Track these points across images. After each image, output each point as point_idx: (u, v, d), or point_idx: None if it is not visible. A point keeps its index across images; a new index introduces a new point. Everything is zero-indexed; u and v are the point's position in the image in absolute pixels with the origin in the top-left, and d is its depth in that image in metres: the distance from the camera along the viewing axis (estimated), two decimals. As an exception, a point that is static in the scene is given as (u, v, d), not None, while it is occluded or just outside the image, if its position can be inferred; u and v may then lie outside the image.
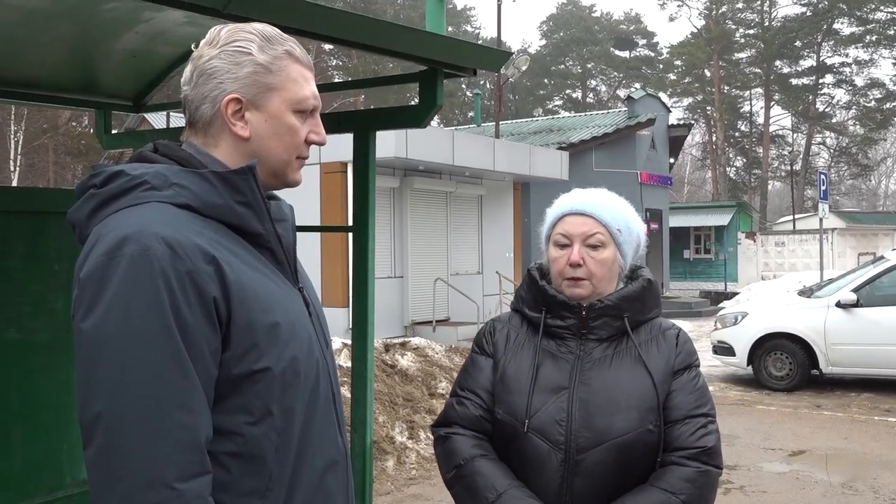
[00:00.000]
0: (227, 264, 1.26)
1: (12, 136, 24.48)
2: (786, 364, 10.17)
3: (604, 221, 1.94)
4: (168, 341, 1.18)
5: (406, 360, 7.96)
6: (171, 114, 16.00)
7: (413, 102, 2.95)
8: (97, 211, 1.31)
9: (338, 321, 12.43)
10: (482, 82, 46.47)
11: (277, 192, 1.52)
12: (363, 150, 3.03)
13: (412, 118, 2.94)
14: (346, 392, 6.63)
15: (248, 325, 1.27)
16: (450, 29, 49.94)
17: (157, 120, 18.31)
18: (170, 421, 1.17)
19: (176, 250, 1.21)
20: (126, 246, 1.20)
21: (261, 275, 1.34)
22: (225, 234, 1.32)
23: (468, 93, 46.74)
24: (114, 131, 3.70)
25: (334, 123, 3.23)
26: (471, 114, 36.36)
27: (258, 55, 1.37)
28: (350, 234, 3.06)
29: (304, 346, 1.37)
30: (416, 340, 9.03)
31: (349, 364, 3.24)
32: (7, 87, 3.33)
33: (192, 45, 1.41)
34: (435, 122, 48.15)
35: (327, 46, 39.97)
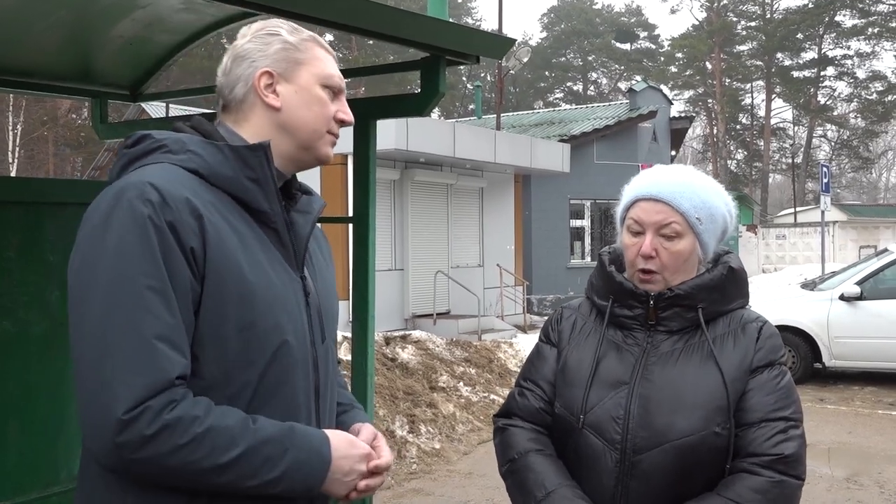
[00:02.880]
0: (211, 223, 1.31)
1: (11, 128, 24.40)
2: (788, 357, 10.13)
3: (681, 210, 1.73)
4: (154, 278, 1.26)
5: (407, 354, 7.91)
6: (169, 104, 15.93)
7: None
8: (124, 169, 1.39)
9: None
10: (483, 74, 46.35)
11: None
12: (364, 140, 2.97)
13: (414, 106, 2.88)
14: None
15: (219, 287, 1.31)
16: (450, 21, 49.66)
17: (156, 111, 18.22)
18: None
19: (165, 198, 1.28)
20: (126, 193, 1.29)
21: (252, 248, 1.36)
22: (228, 205, 1.37)
23: (469, 85, 46.61)
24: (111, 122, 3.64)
25: (335, 112, 3.18)
26: (471, 106, 36.25)
27: (287, 36, 1.47)
28: (350, 226, 3.01)
29: (280, 324, 1.37)
30: (416, 333, 8.98)
31: (349, 358, 3.19)
32: (4, 75, 3.28)
33: (227, 45, 1.52)
34: (435, 114, 48.14)
35: (329, 37, 39.87)
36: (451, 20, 2.90)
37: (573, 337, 1.86)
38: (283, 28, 1.49)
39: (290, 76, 1.46)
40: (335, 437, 1.37)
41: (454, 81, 47.97)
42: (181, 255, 1.27)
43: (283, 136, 1.46)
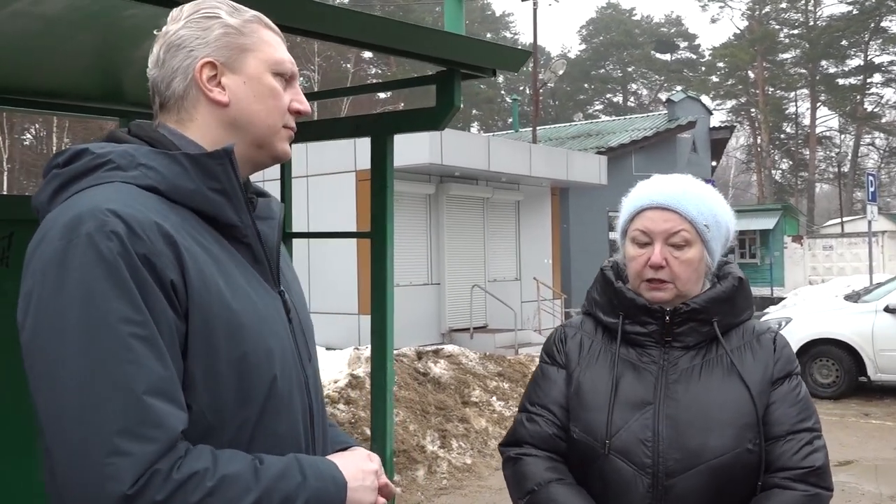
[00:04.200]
0: (187, 250, 1.15)
1: (56, 148, 25.00)
2: (832, 371, 9.87)
3: (690, 217, 1.69)
4: (138, 325, 1.08)
5: (439, 368, 7.87)
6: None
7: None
8: (59, 192, 1.20)
9: (374, 328, 12.42)
10: (521, 88, 46.33)
11: (278, 191, 1.41)
12: (381, 155, 2.98)
13: (430, 121, 2.88)
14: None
15: (205, 322, 1.15)
16: (488, 35, 49.92)
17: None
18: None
19: (133, 228, 1.10)
20: (82, 226, 1.09)
21: (230, 271, 1.22)
22: (195, 223, 1.20)
23: (508, 99, 46.66)
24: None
25: (352, 128, 3.20)
26: (510, 120, 36.30)
27: (227, 18, 1.28)
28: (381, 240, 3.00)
29: (271, 350, 1.24)
30: (449, 348, 8.95)
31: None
32: (31, 96, 3.35)
33: (154, 31, 1.32)
34: (474, 128, 48.16)
35: (367, 55, 40.23)
36: (466, 34, 2.90)
37: (583, 357, 1.78)
38: (223, 9, 1.29)
39: (235, 66, 1.27)
40: (340, 459, 1.27)
41: (492, 95, 48.02)
42: (161, 292, 1.10)
43: (234, 134, 1.28)
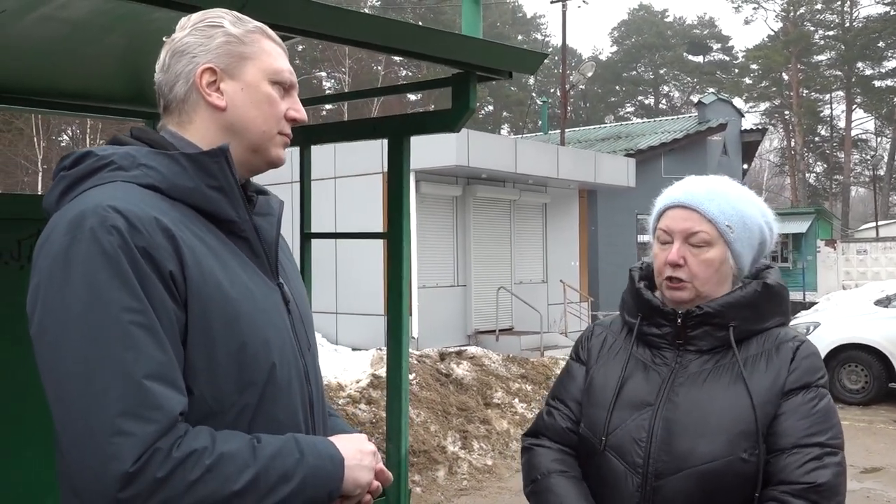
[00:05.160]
0: (185, 243, 1.21)
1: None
2: (861, 376, 9.73)
3: (710, 217, 1.69)
4: (138, 313, 1.14)
5: (461, 370, 7.89)
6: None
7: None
8: (66, 193, 1.27)
9: (400, 329, 12.45)
10: (552, 90, 46.17)
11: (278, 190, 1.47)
12: (397, 156, 3.00)
13: (445, 123, 2.90)
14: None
15: (204, 311, 1.21)
16: (519, 37, 49.82)
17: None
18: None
19: (133, 223, 1.17)
20: (85, 222, 1.16)
21: (229, 264, 1.28)
22: (194, 219, 1.27)
23: (538, 101, 46.57)
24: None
25: (369, 130, 3.22)
26: (541, 122, 36.26)
27: (230, 27, 1.35)
28: (409, 242, 3.02)
29: (269, 339, 1.29)
30: (472, 349, 8.97)
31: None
32: (59, 98, 3.42)
33: (164, 38, 1.38)
34: (505, 130, 48.04)
35: (398, 57, 40.43)
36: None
37: (602, 355, 1.82)
38: (226, 18, 1.36)
39: (234, 72, 1.34)
40: (338, 439, 1.32)
41: (523, 97, 47.92)
42: (160, 282, 1.16)
43: (230, 138, 1.34)
